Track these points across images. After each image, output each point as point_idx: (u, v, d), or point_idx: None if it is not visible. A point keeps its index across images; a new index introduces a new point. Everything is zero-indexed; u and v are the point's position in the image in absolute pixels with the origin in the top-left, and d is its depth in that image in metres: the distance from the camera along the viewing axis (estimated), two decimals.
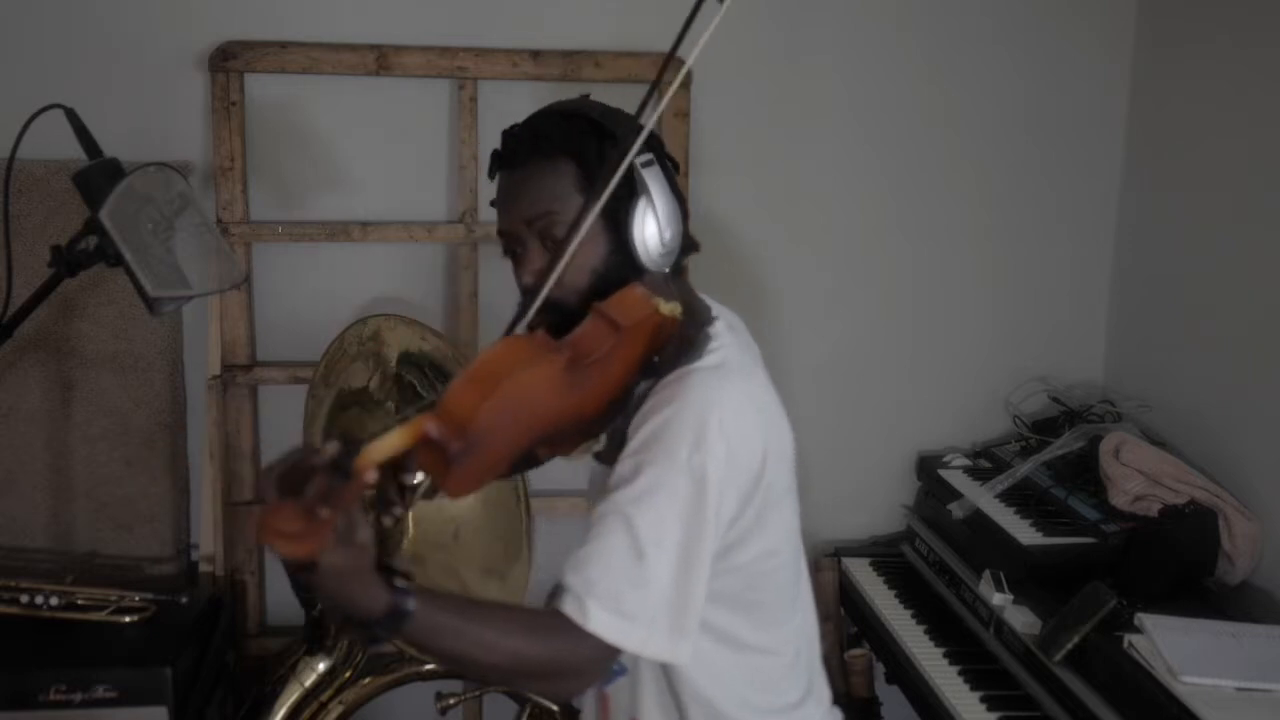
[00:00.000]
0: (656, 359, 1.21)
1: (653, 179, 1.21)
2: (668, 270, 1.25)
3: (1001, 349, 2.54)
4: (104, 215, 1.54)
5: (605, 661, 1.12)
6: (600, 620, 1.08)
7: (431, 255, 2.35)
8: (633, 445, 1.16)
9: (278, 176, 2.28)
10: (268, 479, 0.92)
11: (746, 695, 1.30)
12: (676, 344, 1.22)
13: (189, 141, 2.23)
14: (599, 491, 1.21)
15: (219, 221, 2.19)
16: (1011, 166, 2.48)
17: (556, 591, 1.11)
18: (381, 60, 2.21)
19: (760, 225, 2.41)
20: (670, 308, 1.19)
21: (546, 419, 1.12)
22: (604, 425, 1.24)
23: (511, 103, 2.27)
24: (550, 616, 1.09)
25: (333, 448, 0.91)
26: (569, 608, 1.08)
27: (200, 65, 2.20)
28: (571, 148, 1.21)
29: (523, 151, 1.23)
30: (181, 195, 1.68)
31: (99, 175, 1.58)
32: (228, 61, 2.17)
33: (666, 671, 1.28)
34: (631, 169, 1.19)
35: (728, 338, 1.27)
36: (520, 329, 1.16)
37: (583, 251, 1.18)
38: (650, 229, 1.21)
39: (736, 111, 2.36)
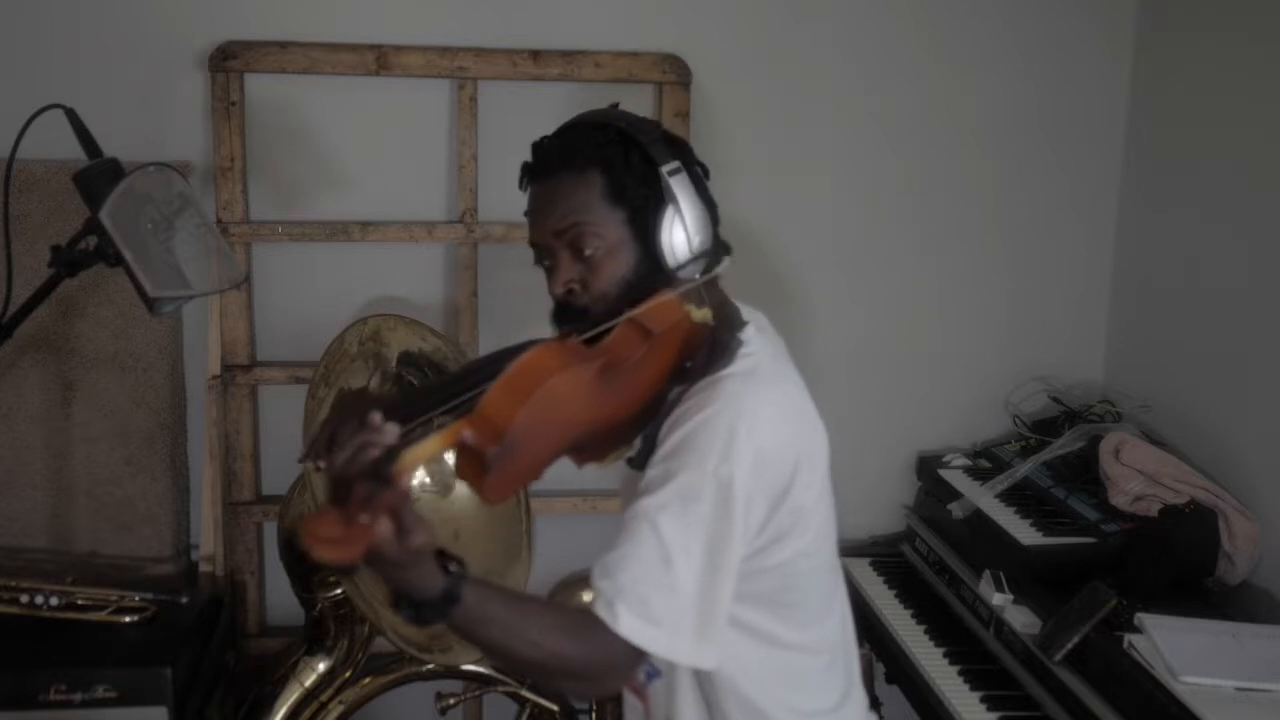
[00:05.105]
0: (689, 364, 1.23)
1: (680, 187, 1.22)
2: (698, 276, 1.25)
3: (1001, 349, 2.54)
4: (104, 215, 1.54)
5: (633, 664, 1.13)
6: (629, 624, 1.09)
7: (431, 255, 2.35)
8: (662, 451, 1.17)
9: (277, 176, 2.28)
10: (327, 460, 0.94)
11: (785, 695, 1.30)
12: (708, 350, 1.24)
13: (189, 141, 2.23)
14: (631, 496, 1.22)
15: (219, 221, 2.19)
16: (1012, 165, 2.48)
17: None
18: (381, 60, 2.21)
19: (758, 226, 2.41)
20: (701, 314, 1.21)
21: (580, 425, 1.14)
22: (637, 431, 1.26)
23: (511, 103, 2.27)
24: (584, 617, 1.10)
25: (381, 442, 0.93)
26: (600, 610, 1.09)
27: (200, 65, 2.20)
28: (599, 158, 1.21)
29: (552, 163, 1.23)
30: (181, 195, 1.68)
31: (99, 175, 1.58)
32: (228, 61, 2.17)
33: (702, 672, 1.28)
34: (659, 178, 1.20)
35: (758, 343, 1.28)
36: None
37: (612, 262, 1.20)
38: (679, 237, 1.22)
39: (735, 112, 2.35)
